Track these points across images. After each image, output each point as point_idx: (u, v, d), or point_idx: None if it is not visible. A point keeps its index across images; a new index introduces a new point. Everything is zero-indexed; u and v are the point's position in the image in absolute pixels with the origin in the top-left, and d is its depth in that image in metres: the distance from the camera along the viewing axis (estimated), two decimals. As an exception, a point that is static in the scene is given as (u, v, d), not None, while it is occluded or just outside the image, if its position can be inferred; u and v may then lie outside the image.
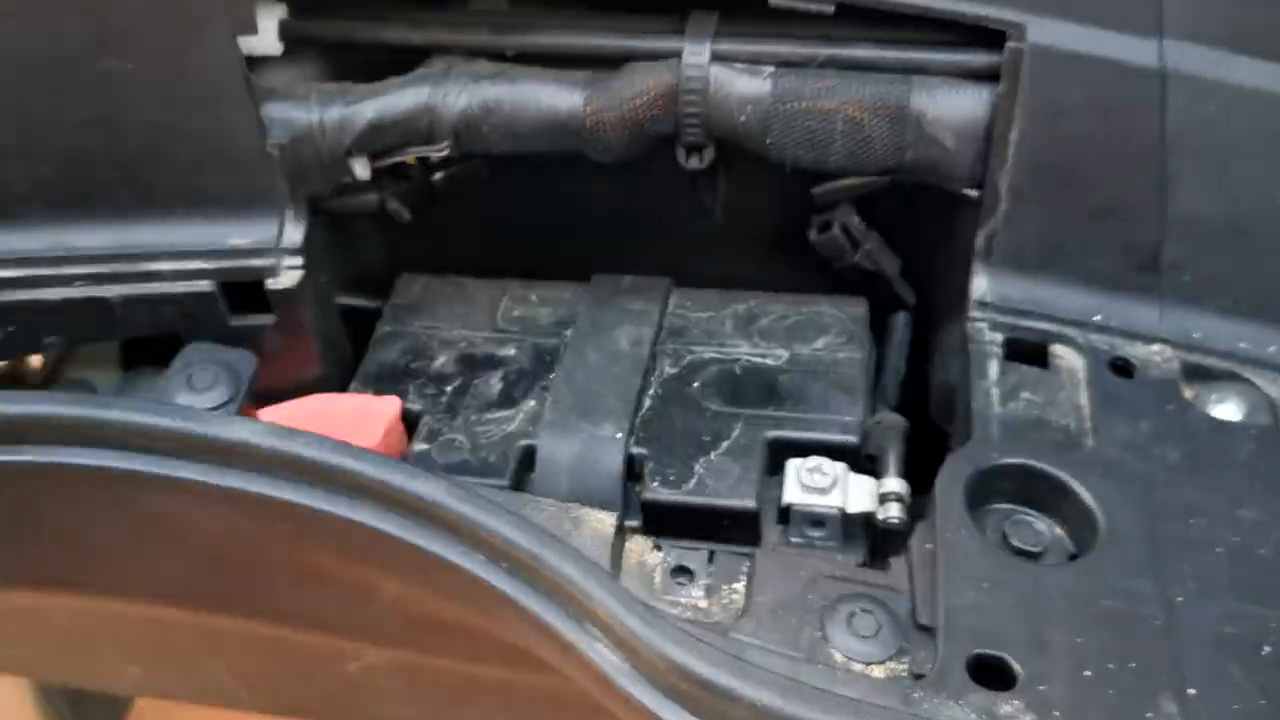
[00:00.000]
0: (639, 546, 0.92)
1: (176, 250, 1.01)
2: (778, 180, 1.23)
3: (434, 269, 1.32)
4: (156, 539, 0.93)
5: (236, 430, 0.85)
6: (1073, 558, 0.95)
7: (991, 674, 0.83)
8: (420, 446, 1.08)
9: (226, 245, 1.02)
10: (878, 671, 0.84)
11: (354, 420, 1.07)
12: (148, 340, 1.06)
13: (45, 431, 0.85)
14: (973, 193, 1.08)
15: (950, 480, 0.96)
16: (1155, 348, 1.08)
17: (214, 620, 1.06)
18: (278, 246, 1.04)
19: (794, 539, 1.04)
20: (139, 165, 0.97)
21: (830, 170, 1.08)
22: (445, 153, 1.08)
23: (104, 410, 0.83)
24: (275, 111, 1.02)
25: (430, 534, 0.85)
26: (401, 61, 1.13)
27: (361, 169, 1.07)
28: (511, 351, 1.18)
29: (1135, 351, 1.08)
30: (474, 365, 1.17)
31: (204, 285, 1.03)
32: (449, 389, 1.14)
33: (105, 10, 0.89)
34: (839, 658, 0.84)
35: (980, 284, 1.11)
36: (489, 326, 1.22)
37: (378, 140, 1.06)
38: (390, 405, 1.10)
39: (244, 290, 1.06)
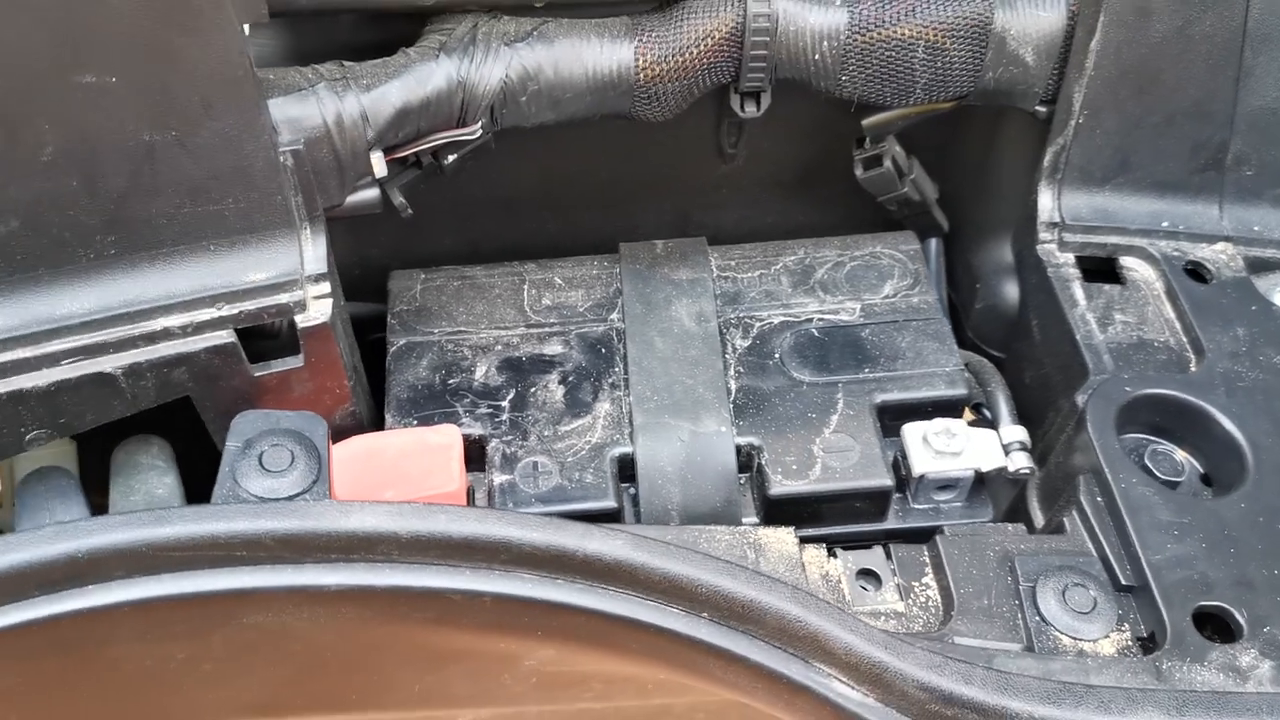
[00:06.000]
0: (813, 556, 0.83)
1: (185, 299, 0.81)
2: (802, 118, 1.13)
3: (404, 260, 1.15)
4: (240, 660, 0.76)
5: (366, 520, 0.69)
6: (1204, 479, 0.94)
7: (1217, 626, 0.80)
8: (501, 477, 0.94)
9: (244, 283, 0.83)
10: (1106, 647, 0.79)
11: (418, 462, 0.92)
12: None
13: (117, 563, 0.67)
14: (1043, 110, 1.02)
15: (1102, 423, 0.91)
16: (1219, 247, 1.07)
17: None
18: (302, 275, 0.85)
19: (919, 505, 0.98)
20: (127, 203, 0.76)
21: (906, 103, 0.98)
22: (477, 135, 0.91)
23: (203, 523, 0.66)
24: (278, 110, 0.82)
25: (614, 598, 0.73)
26: (380, 23, 0.94)
27: (379, 165, 0.89)
28: (559, 348, 1.04)
29: (1203, 253, 1.06)
30: (522, 370, 1.03)
31: (223, 336, 0.83)
32: (505, 403, 1.00)
33: (79, 12, 0.67)
34: (1066, 640, 0.79)
35: (1047, 203, 1.06)
36: (521, 322, 1.07)
37: (402, 129, 0.88)
38: (450, 436, 0.94)
39: (258, 334, 0.87)
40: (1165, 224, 1.07)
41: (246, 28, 0.74)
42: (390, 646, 0.77)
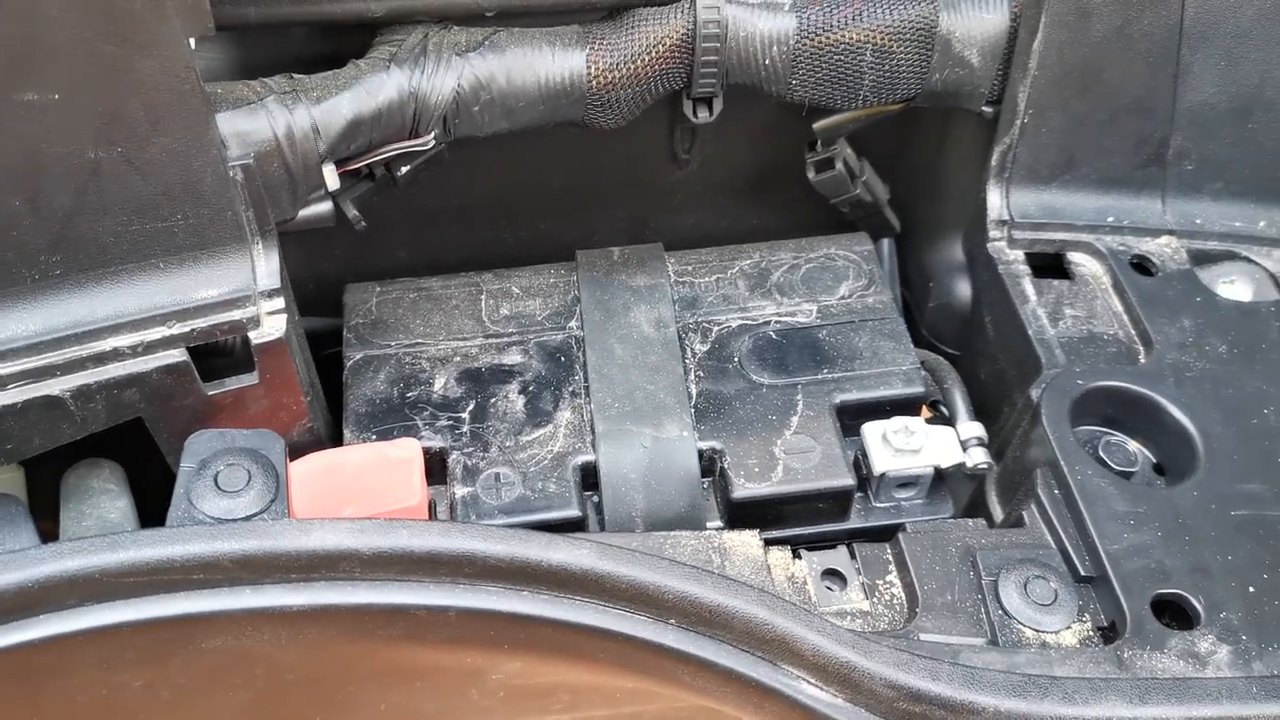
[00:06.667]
0: (778, 558, 0.83)
1: (134, 318, 0.79)
2: (754, 123, 1.14)
3: (359, 274, 1.14)
4: (200, 686, 0.75)
5: (327, 537, 0.69)
6: (1157, 468, 0.96)
7: (1175, 613, 0.81)
8: (463, 490, 0.93)
9: (195, 301, 0.81)
10: (1068, 638, 0.80)
11: (378, 477, 0.91)
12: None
13: (69, 591, 0.65)
14: (989, 110, 1.03)
15: (1057, 416, 0.92)
16: (1163, 240, 1.09)
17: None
18: (255, 290, 0.84)
19: (880, 503, 0.99)
20: (73, 222, 0.75)
21: (854, 106, 0.99)
22: (430, 146, 0.90)
23: (158, 547, 0.64)
24: (226, 124, 0.81)
25: (580, 607, 0.73)
26: (330, 35, 0.93)
27: (331, 177, 0.88)
28: (518, 358, 1.04)
29: (1147, 247, 1.08)
30: (481, 381, 1.02)
31: (174, 355, 0.82)
32: (465, 415, 0.99)
33: (19, 28, 0.65)
34: (1029, 633, 0.79)
35: (996, 202, 1.08)
36: (479, 332, 1.06)
37: (353, 141, 0.87)
38: (410, 449, 0.93)
39: (211, 352, 0.86)
40: (1111, 219, 1.09)
41: (192, 41, 0.73)
42: (354, 666, 0.76)
